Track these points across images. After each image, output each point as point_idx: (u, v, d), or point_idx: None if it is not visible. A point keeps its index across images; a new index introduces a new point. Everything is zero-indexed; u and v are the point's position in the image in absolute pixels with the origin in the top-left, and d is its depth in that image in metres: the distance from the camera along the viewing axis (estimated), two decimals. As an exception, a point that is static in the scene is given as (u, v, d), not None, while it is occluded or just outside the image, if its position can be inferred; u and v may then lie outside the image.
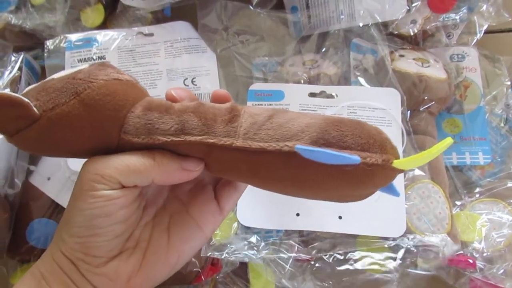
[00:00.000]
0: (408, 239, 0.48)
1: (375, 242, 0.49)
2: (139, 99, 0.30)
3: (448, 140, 0.26)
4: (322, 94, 0.56)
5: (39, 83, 0.29)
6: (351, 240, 0.51)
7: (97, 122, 0.28)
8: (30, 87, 0.29)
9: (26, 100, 0.27)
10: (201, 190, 0.34)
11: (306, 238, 0.52)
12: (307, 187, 0.28)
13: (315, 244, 0.51)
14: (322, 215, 0.50)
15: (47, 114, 0.28)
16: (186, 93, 0.32)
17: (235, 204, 0.37)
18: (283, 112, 0.29)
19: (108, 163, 0.28)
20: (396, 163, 0.26)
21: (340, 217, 0.50)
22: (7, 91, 0.54)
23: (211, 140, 0.28)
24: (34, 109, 0.27)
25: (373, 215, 0.50)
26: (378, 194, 0.50)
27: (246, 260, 0.50)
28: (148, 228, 0.32)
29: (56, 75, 0.29)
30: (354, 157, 0.25)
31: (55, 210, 0.55)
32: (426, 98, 0.55)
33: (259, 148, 0.27)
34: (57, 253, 0.29)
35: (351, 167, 0.26)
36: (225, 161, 0.29)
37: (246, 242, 0.51)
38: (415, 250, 0.48)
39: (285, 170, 0.27)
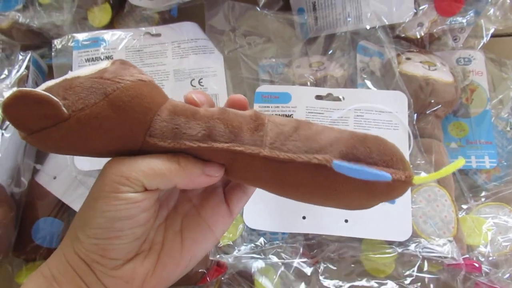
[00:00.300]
0: (415, 244, 0.48)
1: (380, 248, 0.49)
2: (163, 101, 0.30)
3: (461, 162, 0.28)
4: (329, 97, 0.56)
5: (60, 79, 0.28)
6: (357, 245, 0.51)
7: (125, 124, 0.28)
8: (50, 83, 0.28)
9: (55, 99, 0.26)
10: (212, 192, 0.34)
11: (312, 242, 0.52)
12: (330, 197, 0.29)
13: (321, 247, 0.51)
14: (328, 218, 0.50)
15: (77, 114, 0.27)
16: (206, 97, 0.32)
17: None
18: (308, 124, 0.30)
19: (134, 166, 0.28)
20: (415, 180, 0.28)
21: (346, 221, 0.50)
22: (15, 89, 0.54)
23: (239, 148, 0.28)
24: (63, 108, 0.26)
25: (379, 219, 0.50)
26: None
27: (253, 270, 0.50)
28: (161, 230, 0.32)
29: (80, 73, 0.28)
30: (387, 175, 0.27)
31: (61, 209, 0.55)
32: (432, 101, 0.55)
33: (288, 159, 0.28)
34: (70, 254, 0.28)
35: (381, 183, 0.27)
36: (250, 169, 0.29)
37: (253, 245, 0.51)
38: (420, 256, 0.48)
39: (311, 180, 0.28)
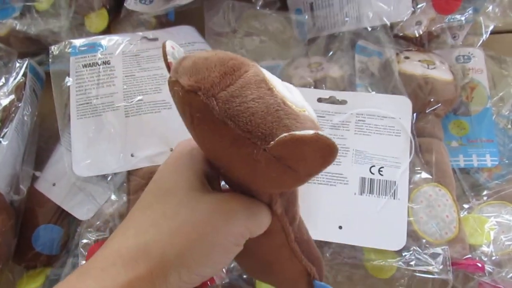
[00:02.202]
0: (409, 253, 0.48)
1: (381, 256, 0.49)
2: None
3: None
4: (330, 99, 0.55)
5: (292, 106, 0.24)
6: (359, 253, 0.50)
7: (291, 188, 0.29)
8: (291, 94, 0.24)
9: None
10: None
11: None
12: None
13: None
14: (322, 224, 0.50)
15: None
16: None
17: None
18: (310, 238, 0.36)
19: (258, 223, 0.28)
20: None
21: (340, 227, 0.50)
22: (12, 96, 0.54)
23: (289, 233, 0.32)
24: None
25: (374, 226, 0.49)
26: (381, 206, 0.50)
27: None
28: None
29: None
30: None
31: (60, 216, 0.55)
32: (432, 100, 0.54)
33: (299, 257, 0.34)
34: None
35: None
36: (275, 240, 0.32)
37: None
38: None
39: (294, 274, 0.35)
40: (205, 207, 0.26)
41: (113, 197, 0.54)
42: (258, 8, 0.61)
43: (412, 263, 0.47)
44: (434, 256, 0.47)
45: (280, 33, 0.63)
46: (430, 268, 0.47)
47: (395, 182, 0.51)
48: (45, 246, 0.54)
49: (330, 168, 0.52)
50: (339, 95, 0.55)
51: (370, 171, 0.52)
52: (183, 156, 0.30)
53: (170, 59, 0.26)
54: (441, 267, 0.47)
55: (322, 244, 0.51)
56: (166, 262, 0.25)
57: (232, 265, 0.51)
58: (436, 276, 0.48)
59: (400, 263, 0.47)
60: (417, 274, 0.48)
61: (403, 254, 0.48)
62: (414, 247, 0.48)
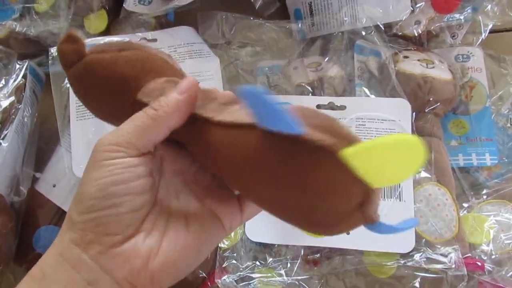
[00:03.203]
0: (418, 254, 0.48)
1: (384, 260, 0.49)
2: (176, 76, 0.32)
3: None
4: (329, 105, 0.55)
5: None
6: (359, 255, 0.50)
7: (123, 78, 0.31)
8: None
9: (82, 40, 0.31)
10: (220, 186, 0.32)
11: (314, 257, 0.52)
12: (266, 175, 0.25)
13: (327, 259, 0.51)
14: None
15: (91, 55, 0.31)
16: None
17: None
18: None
19: (119, 131, 0.27)
20: (348, 151, 0.21)
21: (347, 233, 0.50)
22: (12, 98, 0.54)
23: (199, 113, 0.28)
24: (85, 48, 0.31)
25: None
26: (388, 208, 0.50)
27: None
28: (163, 214, 0.29)
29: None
30: (296, 126, 0.22)
31: (61, 217, 0.55)
32: (431, 99, 0.54)
33: (230, 123, 0.26)
34: (63, 243, 0.26)
35: (302, 150, 0.23)
36: (201, 134, 0.28)
37: (258, 263, 0.50)
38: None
39: (242, 146, 0.26)
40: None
41: (113, 197, 0.54)
42: (252, 18, 0.61)
43: (424, 263, 0.47)
44: (445, 255, 0.47)
45: (274, 42, 0.63)
46: (443, 267, 0.47)
47: (399, 184, 0.51)
48: (46, 247, 0.52)
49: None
50: (338, 100, 0.55)
51: None
52: None
53: None
54: (453, 265, 0.47)
55: (332, 251, 0.51)
56: (69, 213, 0.27)
57: (232, 267, 0.51)
58: (436, 275, 0.48)
59: (412, 263, 0.47)
60: (430, 275, 0.48)
61: (413, 256, 0.48)
62: (424, 248, 0.48)
